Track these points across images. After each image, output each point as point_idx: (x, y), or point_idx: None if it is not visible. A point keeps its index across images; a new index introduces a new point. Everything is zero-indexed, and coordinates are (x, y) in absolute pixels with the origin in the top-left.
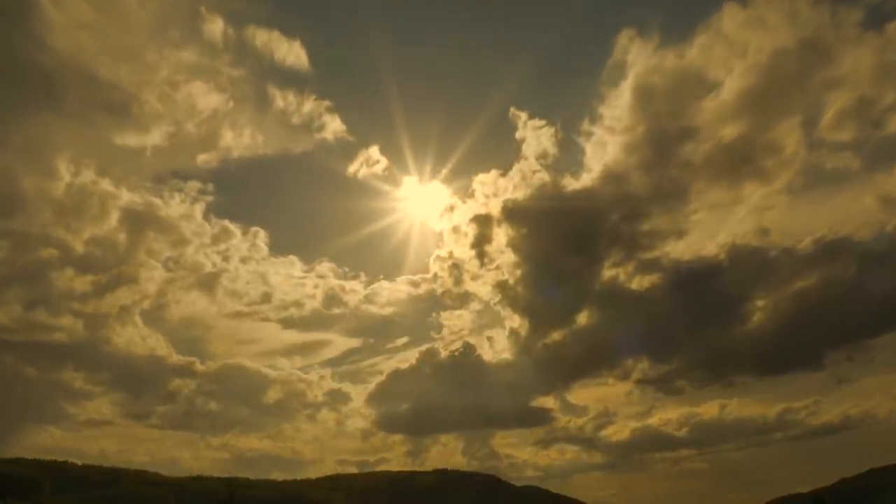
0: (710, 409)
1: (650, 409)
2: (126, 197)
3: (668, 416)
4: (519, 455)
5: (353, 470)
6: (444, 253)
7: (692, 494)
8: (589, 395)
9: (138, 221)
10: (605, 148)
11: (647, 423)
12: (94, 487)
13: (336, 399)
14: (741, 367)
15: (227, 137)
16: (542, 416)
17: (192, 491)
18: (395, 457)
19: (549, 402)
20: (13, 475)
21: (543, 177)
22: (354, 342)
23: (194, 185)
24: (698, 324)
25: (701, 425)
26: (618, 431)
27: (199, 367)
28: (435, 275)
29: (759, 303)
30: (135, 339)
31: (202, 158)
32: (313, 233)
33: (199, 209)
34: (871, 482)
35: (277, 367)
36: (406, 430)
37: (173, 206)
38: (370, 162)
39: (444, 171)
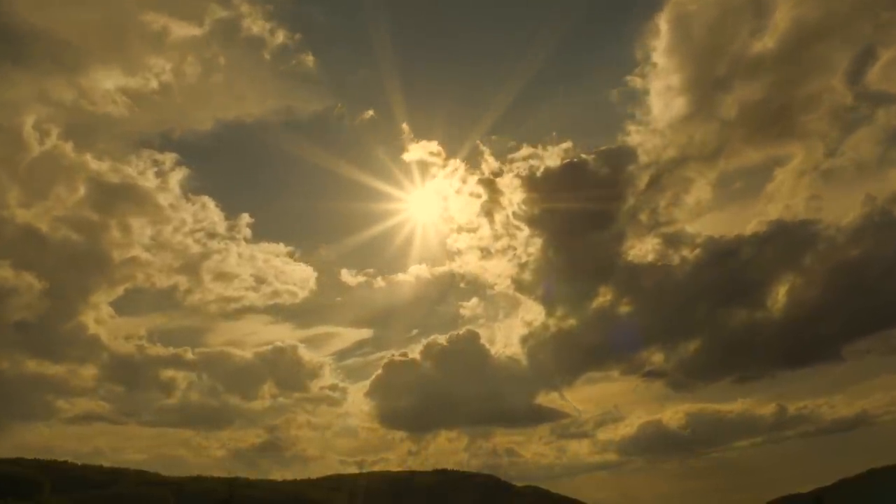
0: (719, 406)
1: (657, 406)
2: (96, 166)
3: (676, 413)
4: (521, 453)
5: (353, 468)
6: (453, 227)
7: (699, 493)
8: (595, 391)
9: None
10: (636, 101)
11: (652, 420)
12: (94, 487)
13: (338, 394)
14: (756, 359)
15: (194, 71)
16: (545, 414)
17: (192, 491)
18: (395, 454)
19: (553, 398)
20: (13, 475)
21: (560, 142)
22: (363, 333)
23: (170, 156)
24: (715, 311)
25: (709, 423)
26: (622, 430)
27: (189, 357)
28: (446, 259)
29: (782, 287)
30: (114, 327)
31: (176, 122)
32: (303, 215)
33: (175, 180)
34: (874, 482)
35: (274, 358)
36: (407, 427)
37: (149, 178)
38: (359, 118)
39: (460, 141)
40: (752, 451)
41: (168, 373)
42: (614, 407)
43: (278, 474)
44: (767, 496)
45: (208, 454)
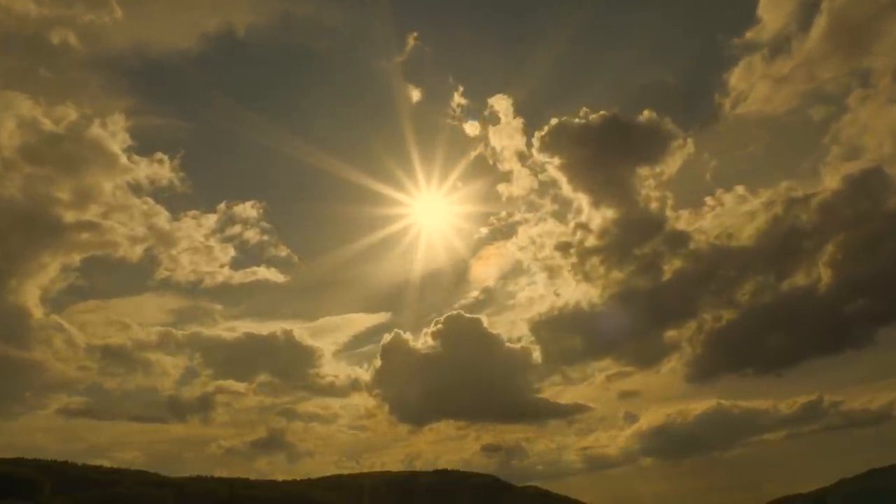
0: (738, 402)
1: (672, 402)
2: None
3: (691, 409)
4: (525, 451)
5: (353, 464)
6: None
7: (704, 493)
8: (600, 387)
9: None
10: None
11: (664, 417)
12: (94, 487)
13: (340, 386)
14: (781, 347)
15: None
16: (555, 409)
17: (192, 491)
18: (394, 451)
19: (557, 395)
20: (13, 475)
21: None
22: (377, 318)
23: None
24: (751, 286)
25: (724, 419)
26: (634, 427)
27: (179, 340)
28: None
29: (833, 255)
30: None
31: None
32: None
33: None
34: (876, 482)
35: (274, 345)
36: (408, 421)
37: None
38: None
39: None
40: (765, 449)
41: (156, 362)
42: (627, 402)
43: (277, 470)
44: (777, 494)
45: (206, 451)
